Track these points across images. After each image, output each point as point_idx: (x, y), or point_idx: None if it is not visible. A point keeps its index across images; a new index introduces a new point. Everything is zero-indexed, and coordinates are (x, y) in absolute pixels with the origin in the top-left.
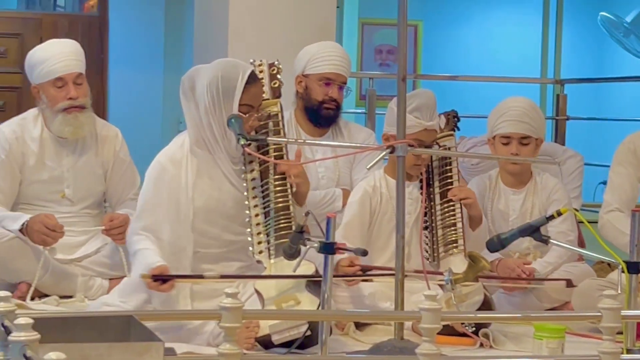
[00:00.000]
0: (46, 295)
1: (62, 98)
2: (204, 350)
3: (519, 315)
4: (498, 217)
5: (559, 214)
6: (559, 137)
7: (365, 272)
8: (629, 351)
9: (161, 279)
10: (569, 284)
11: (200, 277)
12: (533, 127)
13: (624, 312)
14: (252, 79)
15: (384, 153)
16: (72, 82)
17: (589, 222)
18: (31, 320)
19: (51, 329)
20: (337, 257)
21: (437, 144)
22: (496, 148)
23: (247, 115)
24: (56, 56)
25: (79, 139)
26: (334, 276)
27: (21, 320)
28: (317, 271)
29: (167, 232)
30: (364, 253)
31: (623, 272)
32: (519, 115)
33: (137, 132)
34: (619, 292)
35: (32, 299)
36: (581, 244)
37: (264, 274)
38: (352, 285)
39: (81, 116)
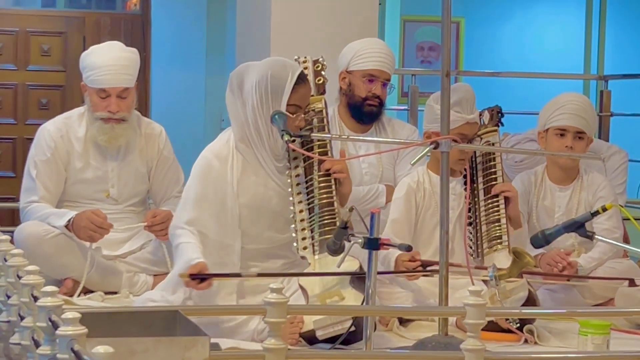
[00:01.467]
0: (91, 292)
1: (102, 108)
2: (248, 346)
3: (564, 311)
4: (543, 213)
5: (604, 209)
6: (603, 133)
7: (426, 267)
8: None
9: (199, 277)
10: (632, 283)
11: (238, 275)
12: (589, 124)
13: None
14: (301, 79)
15: (427, 149)
16: (116, 95)
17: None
18: (79, 315)
19: (98, 324)
20: (390, 252)
21: (481, 138)
22: (548, 141)
23: (294, 115)
24: (106, 67)
25: None
26: (383, 272)
27: (69, 315)
28: (361, 267)
29: (213, 227)
30: (409, 248)
31: None
32: (577, 110)
33: (179, 130)
34: None
35: (78, 295)
36: (626, 241)
37: (308, 270)
38: (412, 280)
39: (118, 127)
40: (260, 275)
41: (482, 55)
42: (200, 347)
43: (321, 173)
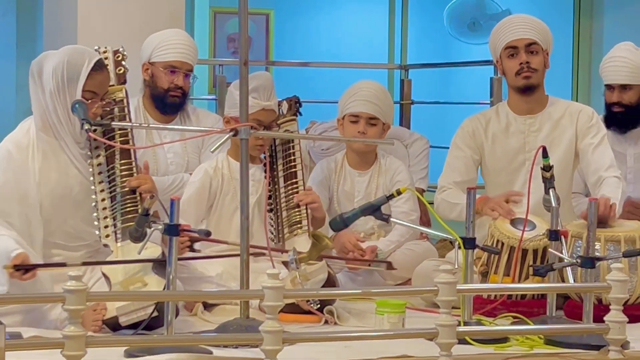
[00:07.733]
0: None
1: None
2: (53, 335)
3: (359, 291)
4: (344, 198)
5: (399, 193)
6: (405, 121)
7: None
8: (465, 324)
9: (23, 268)
10: (389, 267)
11: (63, 265)
12: (382, 109)
13: (459, 286)
14: (99, 67)
15: (227, 136)
16: None
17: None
18: None
19: None
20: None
21: (279, 126)
22: (345, 127)
23: (90, 101)
24: None
25: None
26: (184, 258)
27: None
28: (163, 253)
29: (17, 217)
30: (208, 234)
31: (460, 248)
32: (369, 96)
33: None
34: (456, 267)
35: None
36: (427, 223)
37: (111, 257)
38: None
39: None
40: (85, 263)
41: (294, 47)
42: None
43: (123, 161)
